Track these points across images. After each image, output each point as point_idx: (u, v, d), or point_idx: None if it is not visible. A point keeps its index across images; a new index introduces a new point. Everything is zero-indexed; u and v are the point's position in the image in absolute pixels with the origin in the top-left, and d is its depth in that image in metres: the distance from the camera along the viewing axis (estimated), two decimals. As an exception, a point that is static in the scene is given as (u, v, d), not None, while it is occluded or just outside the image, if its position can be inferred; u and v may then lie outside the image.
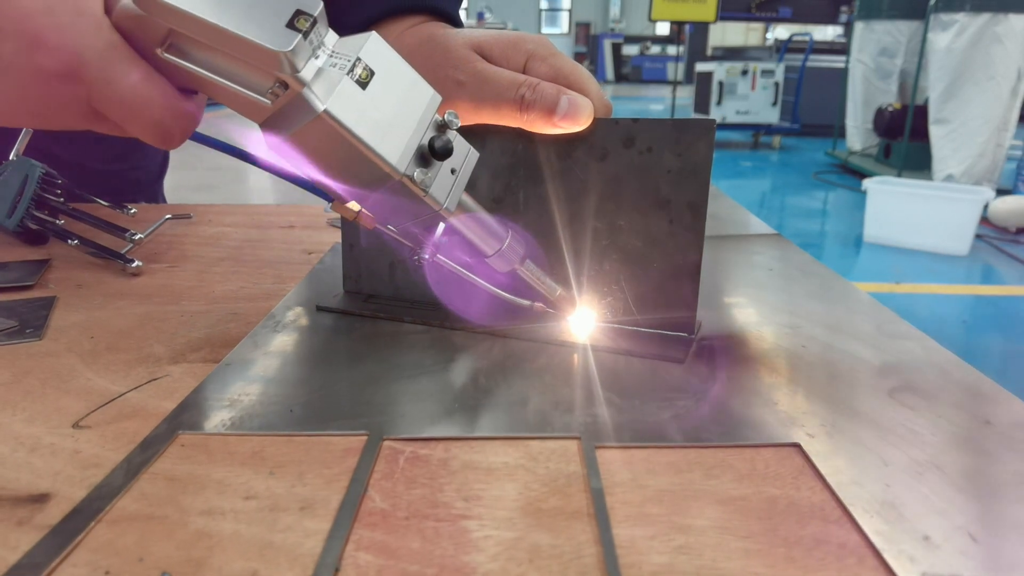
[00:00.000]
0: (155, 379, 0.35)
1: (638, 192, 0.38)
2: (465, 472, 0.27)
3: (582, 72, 0.39)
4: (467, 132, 0.41)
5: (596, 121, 0.38)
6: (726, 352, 0.37)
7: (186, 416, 0.31)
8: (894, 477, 0.26)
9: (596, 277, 0.40)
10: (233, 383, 0.34)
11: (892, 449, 0.28)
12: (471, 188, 0.41)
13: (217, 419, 0.30)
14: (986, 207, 3.18)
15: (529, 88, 0.37)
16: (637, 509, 0.24)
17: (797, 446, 0.28)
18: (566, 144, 0.39)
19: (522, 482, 0.26)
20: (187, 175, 4.51)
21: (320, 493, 0.25)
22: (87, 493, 0.25)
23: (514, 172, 0.40)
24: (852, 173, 4.83)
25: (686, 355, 0.36)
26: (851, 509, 0.24)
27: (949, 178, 3.88)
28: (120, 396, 0.33)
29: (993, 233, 3.31)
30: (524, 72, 0.38)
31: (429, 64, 0.39)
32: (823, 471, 0.27)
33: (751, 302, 0.45)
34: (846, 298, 0.46)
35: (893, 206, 3.13)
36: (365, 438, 0.29)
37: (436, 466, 0.27)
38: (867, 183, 3.22)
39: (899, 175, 4.01)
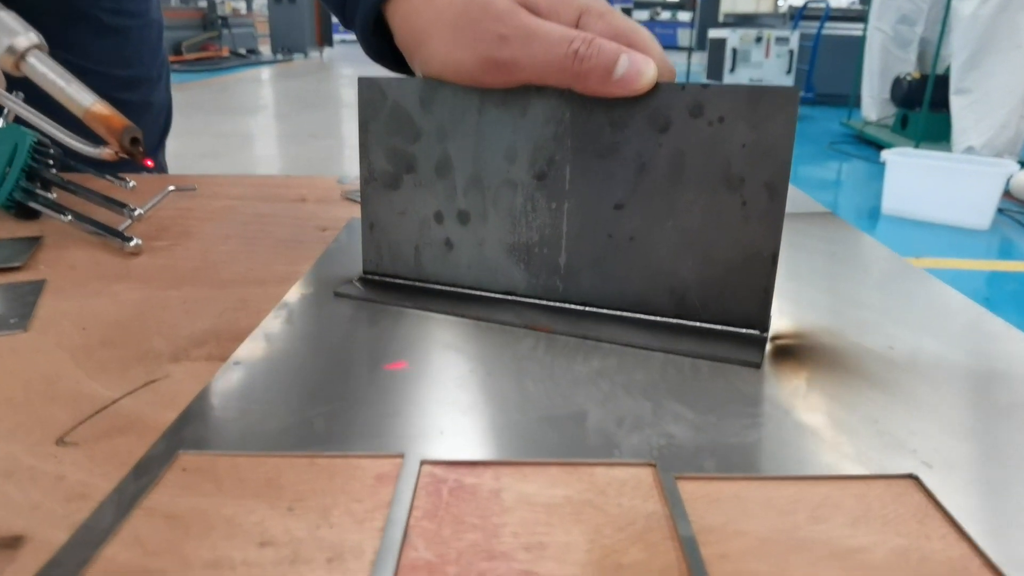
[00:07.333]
0: (153, 381, 0.30)
1: (706, 169, 0.33)
2: (521, 509, 0.22)
3: (642, 32, 0.34)
4: (506, 95, 0.36)
5: (658, 86, 0.33)
6: (804, 354, 0.33)
7: (188, 430, 0.26)
8: (1038, 520, 0.22)
9: (654, 264, 0.35)
10: (242, 388, 0.29)
11: (1025, 482, 0.24)
12: (511, 160, 0.36)
13: (225, 434, 0.26)
14: (1008, 180, 3.10)
15: (584, 43, 0.32)
16: (738, 565, 0.20)
17: (914, 478, 0.24)
18: (622, 112, 0.34)
19: (592, 524, 0.22)
20: (192, 142, 4.45)
21: (350, 537, 0.21)
22: (69, 536, 0.21)
23: (560, 144, 0.35)
24: (868, 144, 4.74)
25: (762, 358, 0.32)
26: (1004, 570, 0.20)
27: (969, 150, 3.78)
28: (113, 403, 0.28)
29: (1015, 207, 3.23)
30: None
31: (465, 19, 0.34)
32: (953, 512, 0.22)
33: (815, 292, 0.40)
34: (920, 288, 0.41)
35: (913, 178, 3.06)
36: (400, 461, 0.25)
37: (486, 500, 0.23)
38: (886, 154, 3.14)
39: (916, 146, 3.92)
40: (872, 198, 3.40)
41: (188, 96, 6.69)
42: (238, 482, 0.23)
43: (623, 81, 0.32)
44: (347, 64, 10.08)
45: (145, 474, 0.24)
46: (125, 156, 0.34)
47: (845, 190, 3.88)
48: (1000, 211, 3.06)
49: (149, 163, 0.36)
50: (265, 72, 9.15)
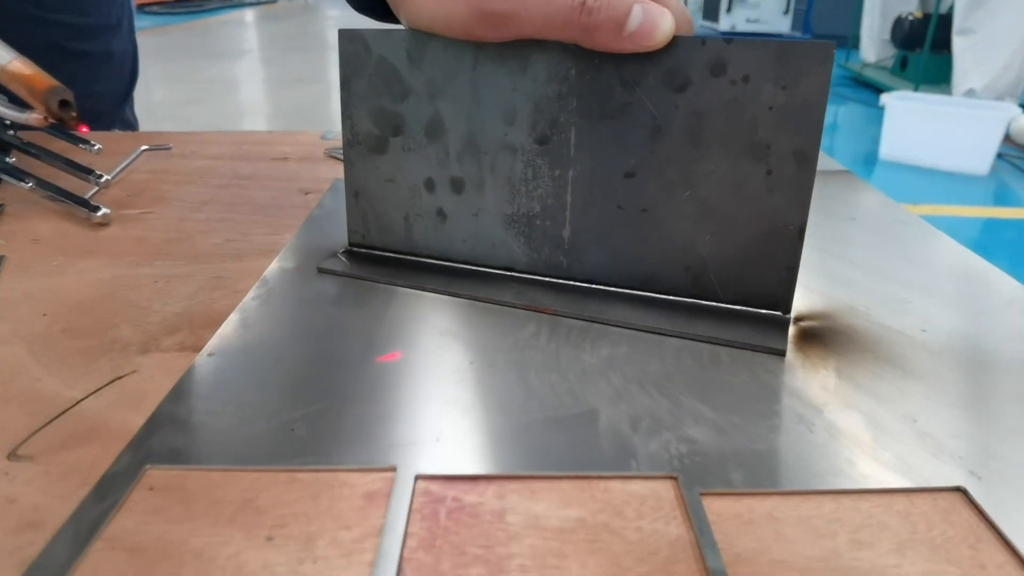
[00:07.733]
0: (120, 377, 0.28)
1: (727, 134, 0.30)
2: (530, 535, 0.20)
3: (657, -22, 0.30)
4: (504, 49, 0.32)
5: (675, 40, 0.29)
6: (830, 338, 0.30)
7: (156, 439, 0.24)
8: (1103, 541, 0.20)
9: (667, 239, 0.32)
10: (217, 386, 0.27)
11: (1084, 492, 0.21)
12: (509, 122, 0.33)
13: (197, 444, 0.23)
14: (1009, 124, 3.04)
15: (593, -6, 0.28)
16: (776, 604, 0.18)
17: (962, 491, 0.22)
18: (634, 69, 0.30)
19: (610, 554, 0.19)
20: (176, 88, 4.33)
21: None
22: (18, 577, 0.18)
23: (564, 105, 0.32)
24: (866, 86, 4.64)
25: (786, 344, 0.29)
26: (1076, 608, 0.18)
27: (970, 92, 3.71)
28: (75, 405, 0.26)
29: (1015, 152, 3.19)
30: (584, -24, 0.29)
31: (459, -34, 0.30)
32: (1008, 534, 0.20)
33: (836, 264, 0.38)
34: (950, 259, 0.39)
35: (913, 122, 2.99)
36: (392, 476, 0.22)
37: (490, 523, 0.20)
38: (885, 98, 3.08)
39: (916, 89, 3.84)
40: (869, 143, 3.34)
41: (170, 40, 6.48)
42: (211, 504, 0.21)
43: (636, 35, 0.28)
44: (332, 6, 9.77)
45: (108, 495, 0.21)
46: (55, 122, 0.30)
47: (842, 135, 3.81)
48: (999, 156, 3.01)
49: (84, 129, 0.32)
50: (248, 14, 8.87)
